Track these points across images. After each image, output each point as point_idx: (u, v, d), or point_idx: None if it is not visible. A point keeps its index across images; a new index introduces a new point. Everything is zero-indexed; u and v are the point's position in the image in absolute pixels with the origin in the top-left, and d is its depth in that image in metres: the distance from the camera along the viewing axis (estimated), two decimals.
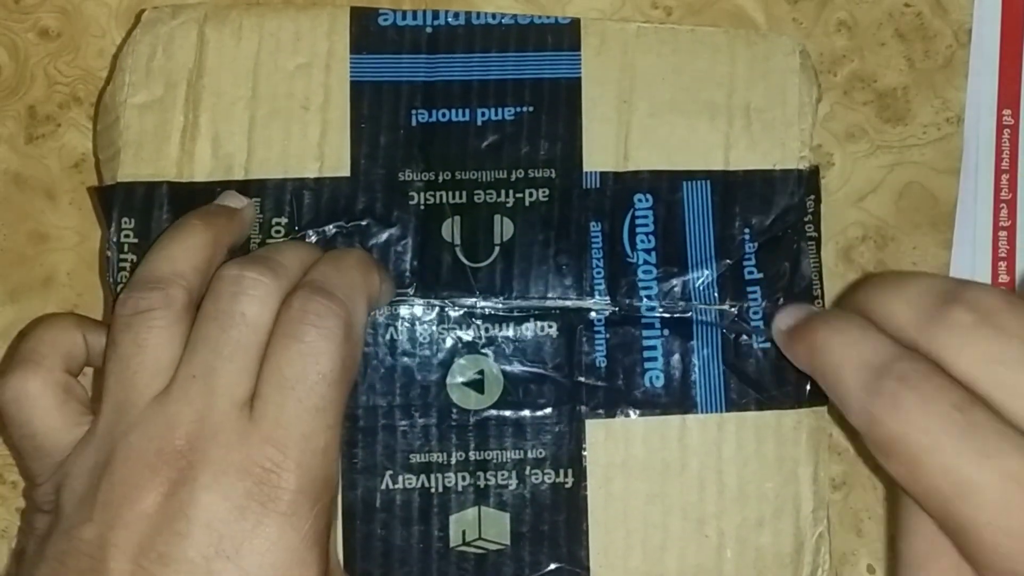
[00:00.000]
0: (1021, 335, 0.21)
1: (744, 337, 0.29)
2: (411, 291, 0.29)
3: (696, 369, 0.29)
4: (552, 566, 0.29)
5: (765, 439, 0.29)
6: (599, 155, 0.30)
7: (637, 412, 0.29)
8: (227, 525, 0.22)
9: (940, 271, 0.32)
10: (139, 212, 0.29)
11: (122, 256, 0.29)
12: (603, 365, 0.29)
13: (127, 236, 0.29)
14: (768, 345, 0.29)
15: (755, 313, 0.29)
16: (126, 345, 0.25)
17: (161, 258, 0.26)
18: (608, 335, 0.29)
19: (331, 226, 0.29)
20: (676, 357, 0.29)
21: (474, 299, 0.29)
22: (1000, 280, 0.32)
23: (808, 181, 0.30)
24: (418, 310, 0.29)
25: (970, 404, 0.20)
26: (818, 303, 0.29)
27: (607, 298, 0.29)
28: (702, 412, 0.29)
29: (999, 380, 0.20)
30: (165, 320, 0.25)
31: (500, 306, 0.29)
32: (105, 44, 0.32)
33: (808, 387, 0.29)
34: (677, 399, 0.29)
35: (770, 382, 0.29)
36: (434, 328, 0.29)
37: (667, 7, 0.33)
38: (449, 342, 0.29)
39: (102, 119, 0.30)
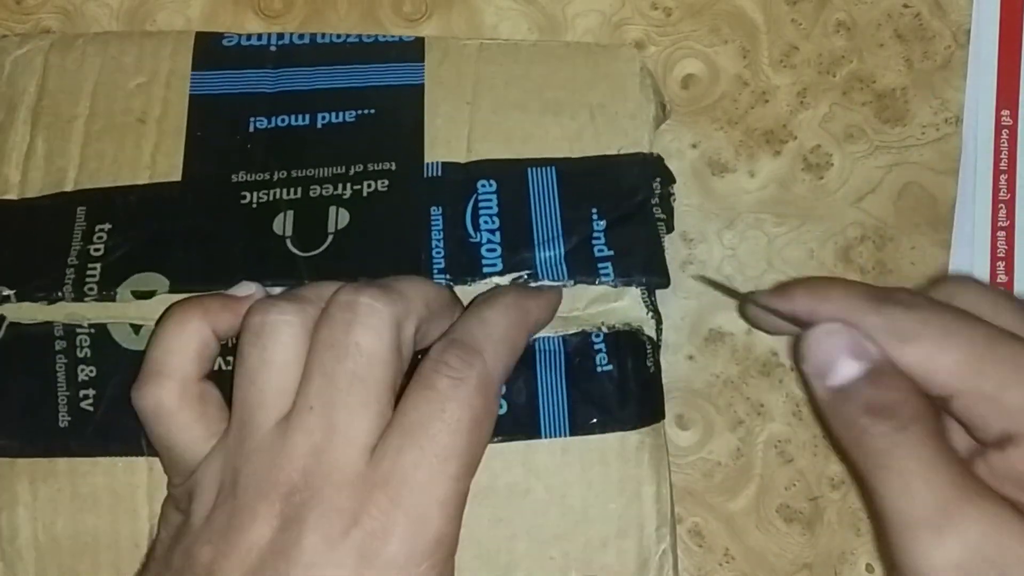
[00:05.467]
0: None
1: (586, 360, 0.29)
2: None
3: (540, 394, 0.28)
4: None
5: (608, 461, 0.28)
6: (442, 148, 0.30)
7: None
8: (326, 571, 0.22)
9: (939, 271, 0.32)
10: None
11: None
12: None
13: None
14: (610, 368, 0.28)
15: (596, 337, 0.29)
16: (253, 359, 0.24)
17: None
18: None
19: (156, 227, 0.28)
20: (519, 383, 0.28)
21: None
22: (999, 280, 0.32)
23: (655, 165, 0.30)
24: None
25: None
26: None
27: (445, 276, 0.28)
28: (546, 436, 0.28)
29: None
30: (294, 334, 0.24)
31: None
32: None
33: (649, 407, 0.29)
34: (521, 424, 0.28)
35: (613, 404, 0.28)
36: None
37: (667, 8, 0.33)
38: None
39: None
